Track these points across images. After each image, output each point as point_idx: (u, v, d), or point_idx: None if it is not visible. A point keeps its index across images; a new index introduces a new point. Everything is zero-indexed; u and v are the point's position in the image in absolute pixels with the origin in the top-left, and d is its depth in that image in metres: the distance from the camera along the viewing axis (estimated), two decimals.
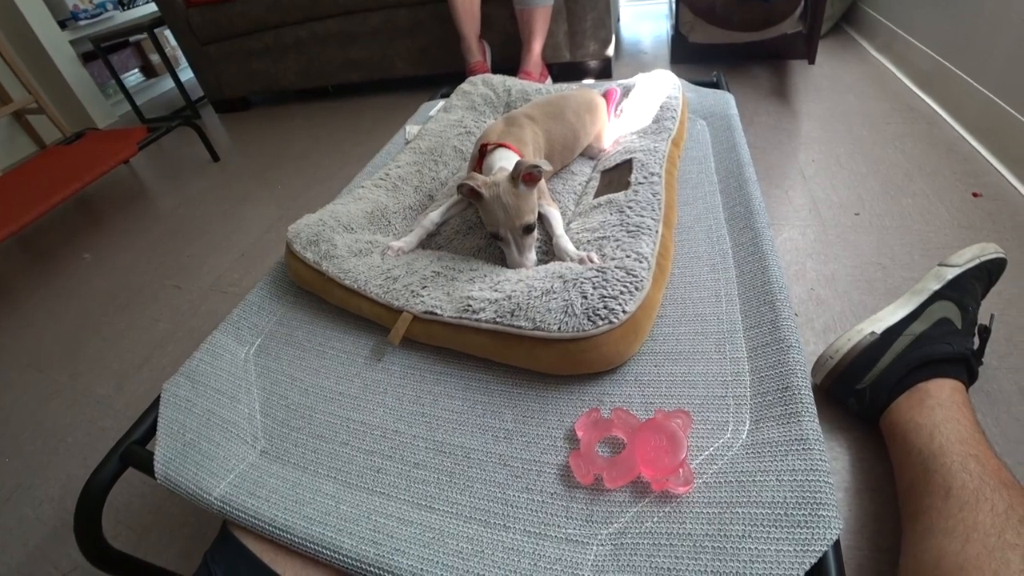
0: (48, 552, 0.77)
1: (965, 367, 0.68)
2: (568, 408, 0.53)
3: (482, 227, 0.71)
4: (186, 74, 2.55)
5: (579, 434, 0.49)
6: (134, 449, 0.59)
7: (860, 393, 0.71)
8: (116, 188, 1.93)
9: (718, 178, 0.83)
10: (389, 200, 0.81)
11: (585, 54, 1.80)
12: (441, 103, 1.12)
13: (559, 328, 0.51)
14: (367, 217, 0.78)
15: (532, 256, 0.66)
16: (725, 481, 0.44)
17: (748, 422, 0.48)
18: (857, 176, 1.23)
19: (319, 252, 0.70)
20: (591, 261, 0.60)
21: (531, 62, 1.62)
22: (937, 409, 0.61)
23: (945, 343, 0.68)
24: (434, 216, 0.73)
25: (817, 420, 0.46)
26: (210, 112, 2.46)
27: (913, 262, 0.98)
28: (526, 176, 0.63)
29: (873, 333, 0.73)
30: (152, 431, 0.60)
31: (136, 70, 2.93)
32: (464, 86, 1.09)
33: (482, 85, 1.07)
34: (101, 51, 2.32)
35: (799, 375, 0.50)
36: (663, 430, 0.46)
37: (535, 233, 0.66)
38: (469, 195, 0.64)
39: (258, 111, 2.38)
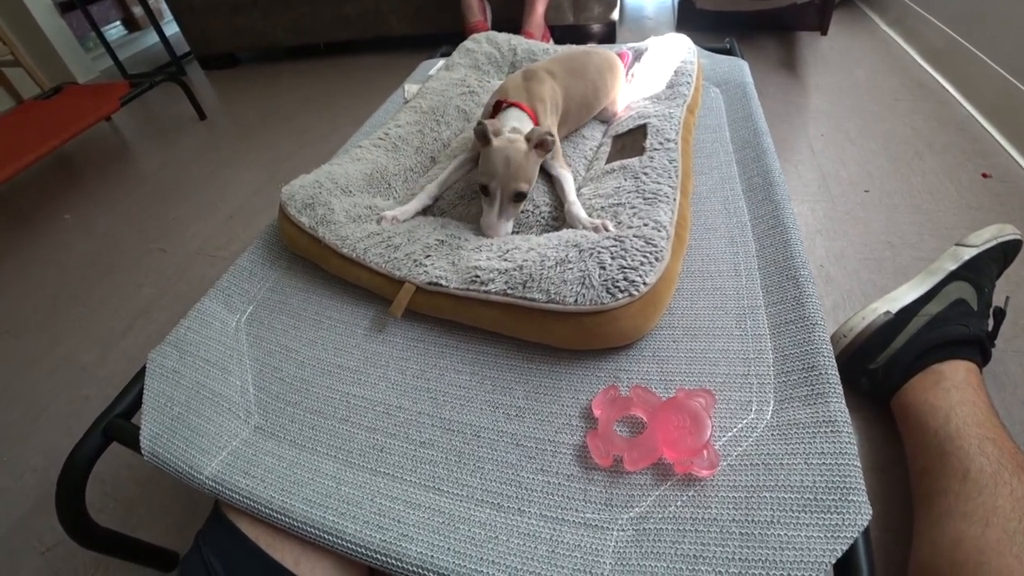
0: (31, 524, 0.75)
1: (979, 349, 0.66)
2: (583, 385, 0.50)
3: None
4: (171, 28, 2.40)
5: (596, 413, 0.47)
6: (118, 423, 0.55)
7: (872, 373, 0.70)
8: (97, 146, 1.84)
9: (734, 148, 0.79)
10: (389, 161, 0.76)
11: (589, 17, 1.72)
12: (442, 62, 1.06)
13: (575, 301, 0.48)
14: (366, 179, 0.73)
15: (508, 227, 0.62)
16: (751, 464, 0.42)
17: (772, 402, 0.46)
18: (867, 152, 1.20)
19: (315, 216, 0.65)
20: (606, 229, 0.57)
21: (533, 23, 1.54)
22: (952, 391, 0.60)
23: (961, 324, 0.67)
24: (433, 188, 0.69)
25: (844, 402, 0.44)
26: (196, 69, 2.34)
27: (922, 241, 0.96)
28: (539, 143, 0.59)
29: (888, 312, 0.71)
30: (137, 403, 0.56)
31: (118, 22, 2.76)
32: (467, 43, 1.02)
33: (486, 43, 1.01)
34: (80, 1, 2.17)
35: (825, 354, 0.47)
36: (685, 409, 0.44)
37: (520, 205, 0.62)
38: (480, 138, 0.60)
39: (246, 69, 2.27)
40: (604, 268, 0.49)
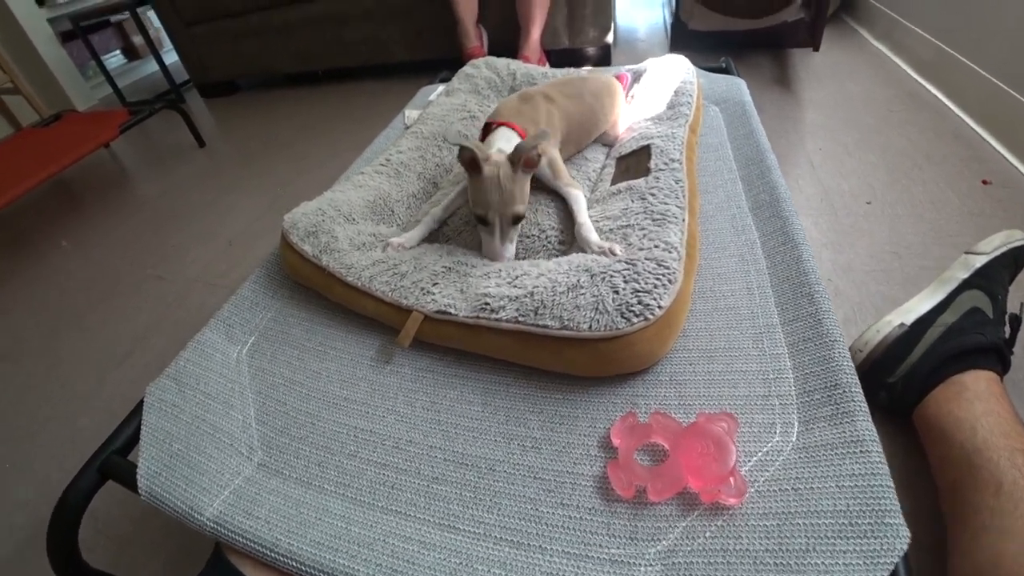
0: (20, 562, 0.71)
1: (998, 357, 0.65)
2: (600, 413, 0.48)
3: None
4: (171, 57, 2.43)
5: (615, 442, 0.45)
6: (114, 460, 0.53)
7: (891, 386, 0.68)
8: (96, 173, 1.84)
9: (737, 165, 0.79)
10: (391, 187, 0.76)
11: (584, 40, 1.74)
12: (441, 87, 1.06)
13: (590, 326, 0.47)
14: (369, 206, 0.72)
15: (512, 249, 0.61)
16: (780, 489, 0.40)
17: (796, 423, 0.45)
18: (866, 164, 1.20)
19: (319, 245, 0.64)
20: (613, 254, 0.56)
21: (529, 47, 1.56)
22: (976, 402, 0.59)
23: (978, 333, 0.65)
24: (438, 212, 0.68)
25: (871, 419, 0.43)
26: (195, 96, 2.36)
27: (927, 250, 0.96)
28: (526, 161, 0.58)
29: (903, 324, 0.70)
30: (135, 439, 0.54)
31: (117, 51, 2.80)
32: (467, 69, 1.03)
33: (485, 68, 1.02)
34: (80, 30, 2.20)
35: (847, 371, 0.46)
36: (708, 435, 0.42)
37: (520, 225, 0.62)
38: (467, 165, 0.59)
39: (245, 96, 2.29)
40: (617, 292, 0.48)
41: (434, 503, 0.45)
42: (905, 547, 0.34)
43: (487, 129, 0.66)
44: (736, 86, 0.99)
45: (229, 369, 0.61)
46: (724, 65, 1.11)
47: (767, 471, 0.42)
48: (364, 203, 0.72)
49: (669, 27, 1.93)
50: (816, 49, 1.55)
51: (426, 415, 0.51)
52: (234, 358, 0.62)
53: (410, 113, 1.03)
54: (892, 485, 0.38)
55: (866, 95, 1.47)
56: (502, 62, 1.03)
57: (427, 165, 0.81)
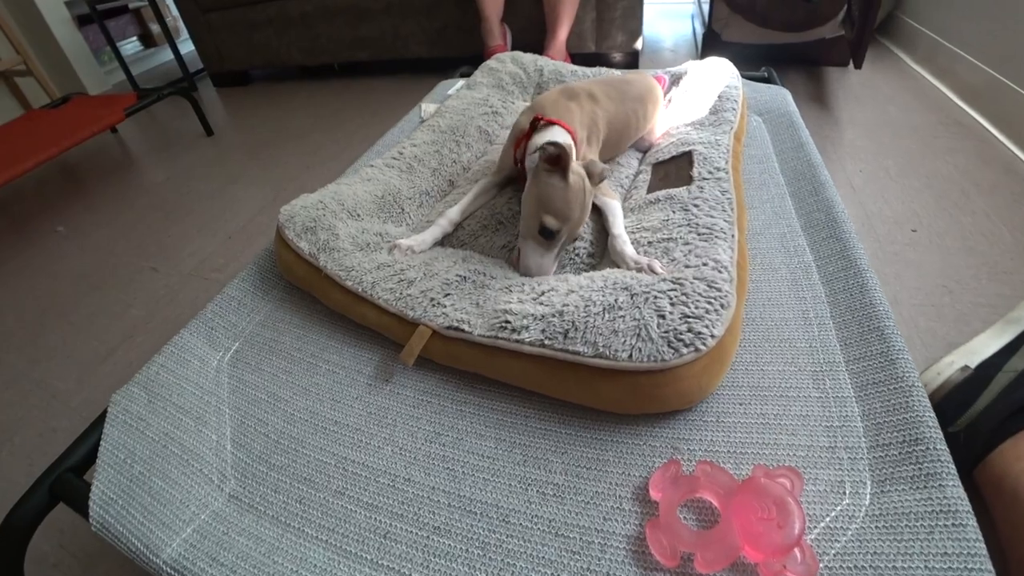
0: None
1: None
2: (635, 458, 0.41)
3: (514, 222, 0.59)
4: (187, 47, 2.39)
5: (655, 495, 0.37)
6: (68, 479, 0.46)
7: (952, 437, 0.60)
8: (102, 158, 1.79)
9: (785, 180, 0.72)
10: (403, 183, 0.69)
11: (612, 45, 1.68)
12: (462, 82, 1.00)
13: (630, 356, 0.39)
14: (376, 202, 0.65)
15: (555, 267, 0.55)
16: (855, 567, 0.33)
17: (869, 483, 0.38)
18: (910, 190, 1.13)
19: (316, 242, 0.57)
20: (652, 271, 0.48)
21: (555, 48, 1.50)
22: None
23: None
24: (453, 213, 0.61)
25: (961, 485, 0.36)
26: (208, 86, 2.32)
27: (981, 287, 0.88)
28: (593, 178, 0.53)
29: (966, 367, 0.62)
30: (94, 455, 0.47)
31: (134, 38, 2.76)
32: (490, 63, 0.96)
33: (511, 63, 0.95)
34: (97, 14, 2.16)
35: (929, 424, 0.40)
36: (768, 494, 0.35)
37: None
38: (552, 163, 0.51)
39: (259, 87, 2.24)
40: (664, 317, 0.40)
41: (434, 560, 0.37)
42: None
43: (534, 125, 0.59)
44: (781, 96, 0.93)
45: (207, 379, 0.54)
46: (766, 74, 1.04)
47: (838, 542, 0.35)
48: (371, 198, 0.65)
49: (700, 37, 1.87)
50: (858, 67, 1.48)
51: (429, 448, 0.44)
52: (214, 366, 0.55)
53: (427, 107, 0.96)
54: (992, 570, 0.32)
55: (908, 120, 1.41)
56: (528, 57, 0.96)
57: (443, 161, 0.74)
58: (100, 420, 0.50)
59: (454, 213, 0.61)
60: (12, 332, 1.05)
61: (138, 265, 1.19)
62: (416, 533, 0.38)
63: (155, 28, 2.74)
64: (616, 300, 0.43)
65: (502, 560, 0.36)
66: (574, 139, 0.57)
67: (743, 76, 1.00)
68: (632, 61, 1.74)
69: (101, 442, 0.47)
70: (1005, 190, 1.10)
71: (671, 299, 0.42)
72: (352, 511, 0.41)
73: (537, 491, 0.39)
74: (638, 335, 0.40)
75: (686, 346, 0.39)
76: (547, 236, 0.51)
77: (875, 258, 0.96)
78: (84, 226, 1.39)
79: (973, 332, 0.67)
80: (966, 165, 1.18)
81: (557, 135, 0.55)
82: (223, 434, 0.48)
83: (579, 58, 1.71)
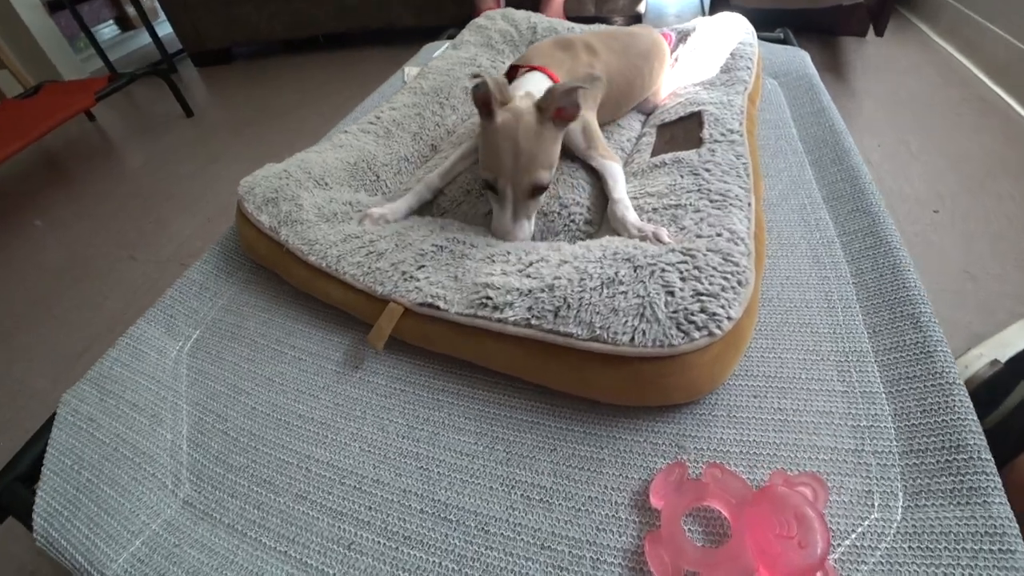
0: None
1: None
2: (634, 457, 0.35)
3: None
4: (165, 28, 2.30)
5: (656, 503, 0.32)
6: (16, 490, 0.42)
7: None
8: (81, 146, 1.73)
9: (804, 147, 0.65)
10: (379, 148, 0.62)
11: (613, 9, 1.59)
12: (448, 44, 0.92)
13: (632, 339, 0.34)
14: (348, 169, 0.59)
15: (528, 228, 0.47)
16: None
17: (901, 495, 0.33)
18: (932, 169, 1.07)
19: (278, 215, 0.51)
20: (658, 240, 0.42)
21: (551, 11, 1.42)
22: None
23: None
24: (433, 179, 0.54)
25: (1008, 503, 0.31)
26: (189, 66, 2.23)
27: (1006, 274, 0.83)
28: (559, 111, 0.45)
29: (996, 362, 0.58)
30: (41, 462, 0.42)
31: (111, 21, 2.66)
32: (479, 20, 0.88)
33: (501, 20, 0.87)
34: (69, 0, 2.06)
35: (972, 428, 0.35)
36: (787, 506, 0.30)
37: (542, 198, 0.48)
38: (480, 104, 0.45)
39: (241, 64, 2.16)
40: (673, 294, 0.35)
41: (403, 575, 0.32)
42: None
43: (512, 73, 0.53)
44: (799, 58, 0.86)
45: (164, 372, 0.49)
46: (782, 36, 0.96)
47: (865, 564, 0.30)
48: (342, 165, 0.58)
49: (707, 2, 1.77)
50: (880, 34, 1.40)
51: (401, 445, 0.39)
52: (172, 357, 0.50)
53: (410, 70, 0.89)
54: None
55: (930, 94, 1.33)
56: (521, 14, 0.89)
57: (425, 125, 0.67)
58: (48, 425, 0.45)
59: (434, 178, 0.54)
60: None
61: (116, 255, 1.15)
62: (384, 544, 0.34)
63: (131, 10, 2.64)
64: (617, 273, 0.37)
65: None
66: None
67: (757, 36, 0.93)
68: None
69: (48, 447, 0.43)
70: None
71: (681, 273, 0.36)
72: (314, 518, 0.36)
73: (522, 495, 0.34)
74: (642, 315, 0.34)
75: (698, 329, 0.33)
76: (491, 189, 0.46)
77: None
78: (64, 217, 1.35)
79: (997, 322, 0.63)
80: (991, 144, 1.11)
81: (534, 81, 0.49)
82: (179, 433, 0.43)
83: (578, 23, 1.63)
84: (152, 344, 0.51)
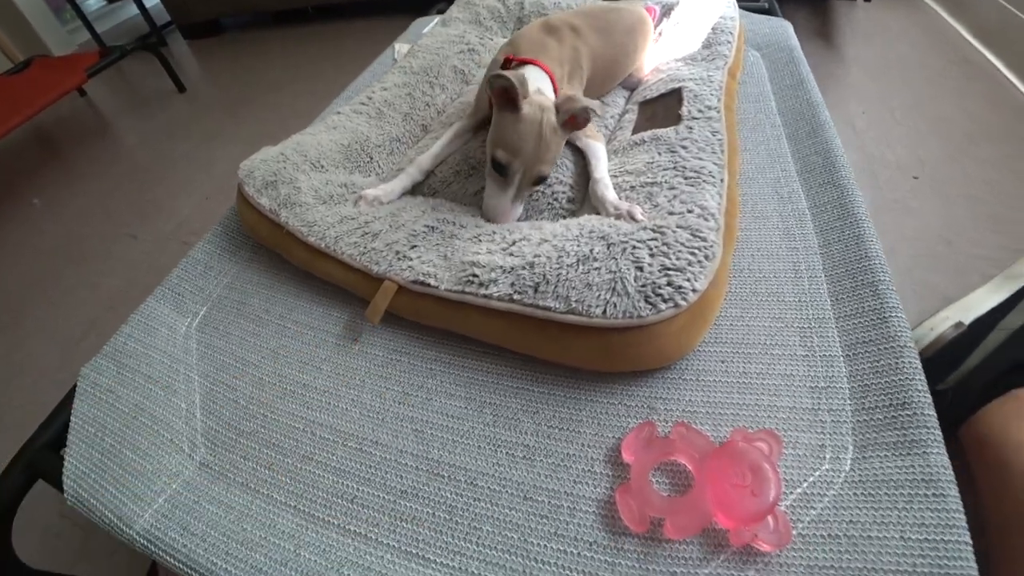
0: None
1: None
2: (609, 418, 0.39)
3: None
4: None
5: (627, 458, 0.36)
6: (44, 456, 0.46)
7: (940, 395, 0.59)
8: (73, 123, 1.72)
9: (782, 120, 0.67)
10: (371, 130, 0.64)
11: None
12: (437, 19, 0.92)
13: (604, 311, 0.37)
14: (342, 151, 0.61)
15: (519, 212, 0.51)
16: (829, 535, 0.32)
17: (851, 448, 0.36)
18: (915, 134, 1.08)
19: (277, 198, 0.53)
20: (632, 218, 0.45)
21: None
22: None
23: None
24: (424, 161, 0.57)
25: (945, 453, 0.35)
26: (178, 39, 2.19)
27: (982, 239, 0.85)
28: (572, 119, 0.48)
29: (960, 324, 0.60)
30: (67, 430, 0.46)
31: None
32: None
33: None
34: None
35: (919, 388, 0.37)
36: (744, 460, 0.34)
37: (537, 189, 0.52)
38: (499, 97, 0.48)
39: (231, 36, 2.12)
40: (641, 269, 0.38)
41: (401, 524, 0.36)
42: None
43: (506, 66, 0.55)
44: (781, 29, 0.86)
45: (175, 347, 0.52)
46: (766, 5, 0.96)
47: (813, 508, 0.34)
48: (337, 148, 0.60)
49: None
50: None
51: (397, 410, 0.42)
52: (182, 333, 0.53)
53: (400, 47, 0.90)
54: (971, 542, 0.30)
55: (918, 58, 1.32)
56: None
57: (415, 105, 0.69)
58: (71, 395, 0.49)
59: (425, 160, 0.56)
60: None
61: (115, 234, 1.16)
62: (383, 497, 0.38)
63: None
64: (592, 251, 0.40)
65: (468, 524, 0.35)
66: (552, 78, 0.52)
67: (740, 7, 0.92)
68: None
69: (72, 417, 0.47)
70: (1014, 136, 1.04)
71: (651, 249, 0.39)
72: (319, 476, 0.40)
73: (506, 453, 0.38)
74: (613, 289, 0.37)
75: (664, 301, 0.36)
76: (501, 172, 0.48)
77: (874, 205, 0.92)
78: (61, 196, 1.35)
79: (970, 285, 0.65)
80: (975, 109, 1.12)
81: (537, 78, 0.51)
82: (192, 402, 0.47)
83: None
84: (162, 321, 0.54)
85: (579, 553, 0.33)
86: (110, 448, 0.44)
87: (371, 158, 0.62)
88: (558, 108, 0.47)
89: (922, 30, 1.44)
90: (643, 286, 0.37)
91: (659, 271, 0.37)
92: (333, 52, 1.77)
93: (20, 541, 0.45)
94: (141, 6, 2.05)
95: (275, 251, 0.56)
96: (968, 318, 0.61)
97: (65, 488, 0.42)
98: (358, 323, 0.49)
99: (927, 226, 0.88)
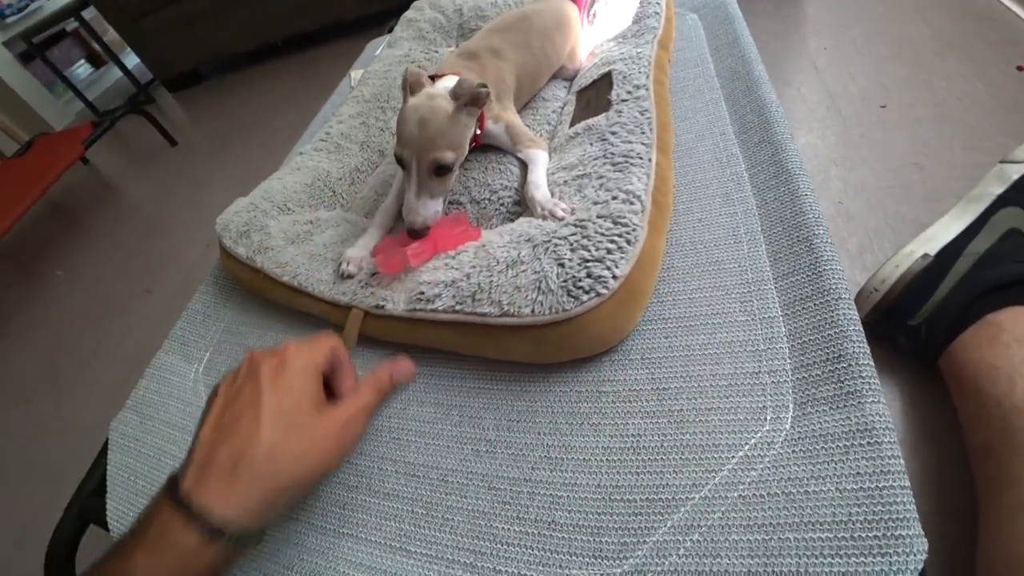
0: None
1: None
2: (561, 406, 0.42)
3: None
4: (133, 59, 2.34)
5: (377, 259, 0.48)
6: (92, 503, 0.52)
7: (914, 330, 0.59)
8: (81, 190, 1.83)
9: (720, 82, 0.67)
10: (331, 165, 0.68)
11: None
12: (387, 40, 0.95)
13: (532, 310, 0.40)
14: (307, 191, 0.65)
15: (434, 208, 0.51)
16: (768, 494, 0.33)
17: (791, 407, 0.37)
18: (878, 61, 1.05)
19: (251, 245, 0.58)
20: (554, 216, 0.47)
21: None
22: (1015, 346, 0.49)
23: (1017, 261, 0.55)
24: (388, 205, 0.58)
25: (883, 400, 0.35)
26: (164, 93, 2.28)
27: (955, 157, 0.83)
28: (472, 97, 0.49)
29: (926, 255, 0.60)
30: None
31: (82, 61, 2.71)
32: (408, 13, 0.91)
33: (429, 9, 0.90)
34: (36, 49, 2.13)
35: (854, 339, 0.37)
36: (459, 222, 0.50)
37: (450, 180, 0.52)
38: (408, 87, 0.52)
39: (211, 83, 2.20)
40: (563, 266, 0.41)
41: (386, 523, 0.41)
42: (920, 565, 0.28)
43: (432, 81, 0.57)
44: None
45: (187, 392, 0.58)
46: None
47: (755, 469, 0.35)
48: (301, 188, 0.65)
49: None
50: None
51: (377, 421, 0.47)
52: (191, 378, 0.59)
53: (355, 74, 0.93)
54: (908, 485, 0.31)
55: None
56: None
57: (370, 132, 0.72)
58: (104, 448, 0.56)
59: (389, 203, 0.58)
60: (35, 381, 1.14)
61: (131, 291, 1.25)
62: (369, 501, 0.42)
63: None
64: (519, 254, 0.43)
65: (442, 516, 0.39)
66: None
67: None
68: None
69: (108, 466, 0.53)
70: (981, 42, 1.00)
71: (571, 245, 0.42)
72: (316, 490, 0.45)
73: (471, 449, 0.42)
74: (539, 288, 0.40)
75: (586, 292, 0.39)
76: (401, 165, 0.50)
77: (840, 144, 0.91)
78: (79, 264, 1.45)
79: (944, 210, 0.64)
80: (938, 23, 1.07)
81: (451, 81, 0.53)
82: None
83: None
84: (173, 370, 0.60)
85: (539, 533, 0.36)
86: (142, 489, 0.50)
87: (334, 192, 0.66)
88: (454, 94, 0.49)
89: None
90: (564, 281, 0.40)
91: (579, 264, 0.40)
92: (308, 79, 1.82)
93: None
94: (123, 68, 2.14)
95: (259, 294, 0.61)
96: (934, 248, 0.61)
97: (111, 528, 0.48)
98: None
99: (897, 155, 0.86)
